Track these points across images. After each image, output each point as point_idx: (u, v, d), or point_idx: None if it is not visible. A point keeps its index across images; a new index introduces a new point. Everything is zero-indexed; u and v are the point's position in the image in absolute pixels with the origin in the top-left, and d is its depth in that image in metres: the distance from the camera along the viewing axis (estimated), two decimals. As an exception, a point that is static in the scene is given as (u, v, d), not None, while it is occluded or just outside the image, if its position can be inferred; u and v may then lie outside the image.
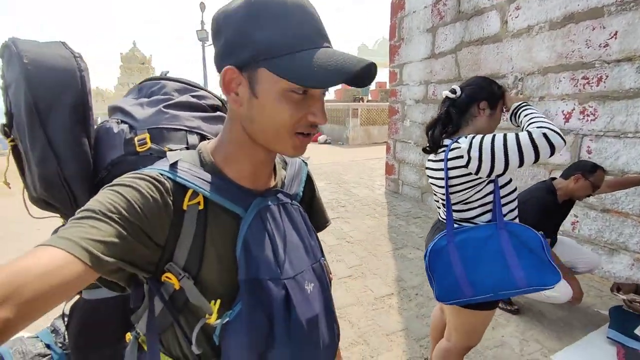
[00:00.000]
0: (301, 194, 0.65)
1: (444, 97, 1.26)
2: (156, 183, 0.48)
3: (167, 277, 0.49)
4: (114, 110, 0.75)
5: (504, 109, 1.27)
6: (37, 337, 0.92)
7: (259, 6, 0.46)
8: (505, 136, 1.02)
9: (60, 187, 0.65)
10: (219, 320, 0.49)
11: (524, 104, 1.19)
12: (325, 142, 11.28)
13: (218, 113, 0.79)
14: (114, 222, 0.42)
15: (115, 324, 0.74)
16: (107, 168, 0.67)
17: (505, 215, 1.13)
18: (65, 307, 0.82)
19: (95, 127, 0.71)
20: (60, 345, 0.91)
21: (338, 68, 0.45)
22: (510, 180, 1.17)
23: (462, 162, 1.08)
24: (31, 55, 0.60)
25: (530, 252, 1.05)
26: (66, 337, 0.88)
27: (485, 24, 3.32)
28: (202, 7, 13.32)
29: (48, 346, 0.91)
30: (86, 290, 0.76)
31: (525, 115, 1.11)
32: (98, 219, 0.41)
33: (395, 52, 4.67)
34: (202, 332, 0.51)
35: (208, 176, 0.53)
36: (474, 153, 1.04)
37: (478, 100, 1.19)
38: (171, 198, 0.49)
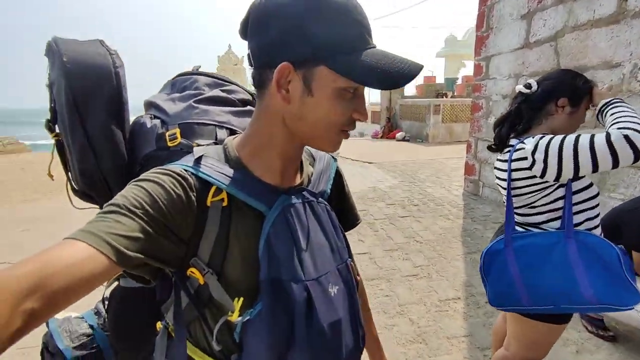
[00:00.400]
0: (329, 191, 0.64)
1: (516, 92, 1.19)
2: (180, 179, 0.48)
3: (191, 271, 0.50)
4: (149, 105, 0.77)
5: (591, 107, 1.14)
6: (83, 317, 0.97)
7: (319, 0, 0.46)
8: (577, 137, 0.94)
9: (99, 180, 0.69)
10: (239, 318, 0.49)
11: (615, 100, 1.05)
12: (403, 139, 10.96)
13: (248, 107, 0.80)
14: (138, 218, 0.43)
15: (147, 312, 0.75)
16: (140, 162, 0.69)
17: (580, 224, 1.03)
18: (106, 291, 0.88)
19: (130, 122, 0.74)
20: (102, 326, 0.94)
21: (399, 72, 0.47)
22: (590, 185, 1.06)
23: (526, 164, 1.02)
24: (70, 54, 0.64)
25: (604, 267, 0.95)
26: (106, 319, 0.92)
27: (597, 4, 2.85)
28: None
29: (91, 327, 0.94)
30: (123, 278, 0.80)
31: (612, 114, 0.99)
32: (123, 214, 0.42)
33: (482, 44, 4.30)
34: (226, 327, 0.51)
35: (231, 172, 0.52)
36: (539, 155, 0.98)
37: (557, 97, 1.10)
38: (195, 194, 0.49)
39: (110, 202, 0.44)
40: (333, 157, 0.70)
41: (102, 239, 0.39)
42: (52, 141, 0.75)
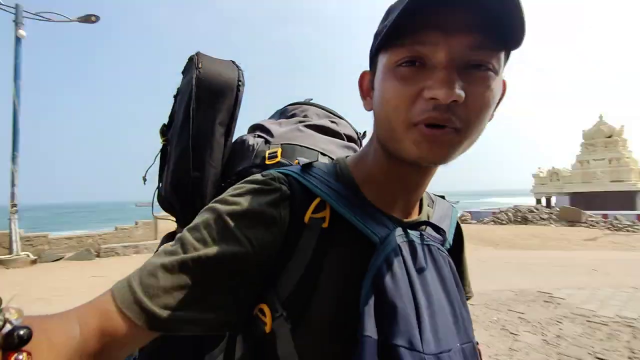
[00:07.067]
0: (451, 241, 0.53)
1: None
2: (270, 191, 0.43)
3: (260, 309, 0.42)
4: (254, 127, 0.79)
5: None
6: None
7: (390, 6, 0.43)
8: None
9: (186, 185, 0.68)
10: None
11: None
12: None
13: (352, 143, 0.80)
14: (199, 263, 0.37)
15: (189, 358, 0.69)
16: (232, 177, 0.69)
17: None
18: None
19: (235, 139, 0.76)
20: None
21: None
22: None
23: None
24: (205, 64, 0.70)
25: None
26: None
27: None
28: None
29: None
30: None
31: None
32: (181, 261, 0.37)
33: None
34: None
35: (341, 188, 0.46)
36: None
37: None
38: (288, 207, 0.43)
39: (180, 234, 0.41)
40: (452, 204, 0.60)
41: (133, 297, 0.35)
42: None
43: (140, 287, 0.35)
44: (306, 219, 0.43)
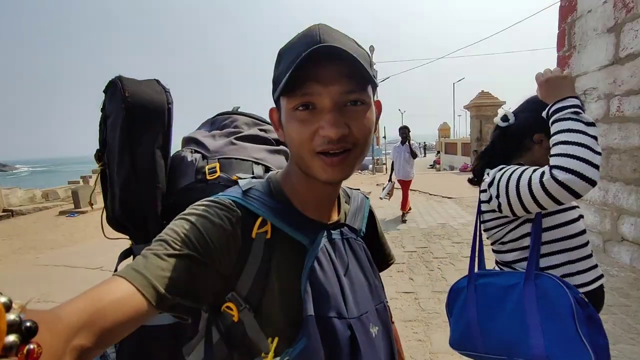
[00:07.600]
0: (364, 229, 0.62)
1: (495, 124, 1.14)
2: (227, 211, 0.48)
3: (227, 306, 0.49)
4: (189, 141, 0.82)
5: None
6: None
7: (279, 50, 0.50)
8: (522, 173, 0.86)
9: (136, 209, 0.71)
10: (277, 359, 0.47)
11: (567, 106, 0.83)
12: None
13: (281, 147, 0.85)
14: (184, 256, 0.43)
15: (166, 354, 0.72)
16: (176, 193, 0.73)
17: (556, 267, 0.91)
18: None
19: (173, 154, 0.78)
20: None
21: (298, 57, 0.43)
22: (575, 220, 0.93)
23: (486, 197, 0.98)
24: (132, 90, 0.70)
25: (559, 317, 0.80)
26: None
27: None
28: (372, 49, 15.21)
29: None
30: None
31: (557, 134, 0.83)
32: (170, 252, 0.42)
33: (565, 64, 3.81)
34: None
35: (276, 204, 0.52)
36: (493, 190, 0.93)
37: (533, 132, 0.99)
38: (240, 226, 0.48)
39: (159, 237, 0.45)
40: (365, 196, 0.69)
41: (146, 280, 0.39)
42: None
43: (149, 273, 0.40)
44: (253, 235, 0.49)
